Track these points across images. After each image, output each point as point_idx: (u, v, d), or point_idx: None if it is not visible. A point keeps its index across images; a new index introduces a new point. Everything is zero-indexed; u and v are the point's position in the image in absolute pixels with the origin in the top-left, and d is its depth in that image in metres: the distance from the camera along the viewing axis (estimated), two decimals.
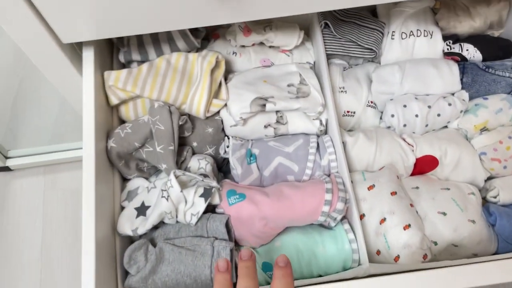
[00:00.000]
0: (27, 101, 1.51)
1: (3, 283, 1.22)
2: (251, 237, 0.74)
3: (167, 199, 0.68)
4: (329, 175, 0.79)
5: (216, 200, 0.73)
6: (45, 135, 1.45)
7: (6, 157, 1.37)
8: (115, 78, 0.76)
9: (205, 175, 0.74)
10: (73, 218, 1.32)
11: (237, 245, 0.75)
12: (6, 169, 1.37)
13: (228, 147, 0.81)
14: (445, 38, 0.91)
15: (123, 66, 0.85)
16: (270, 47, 0.90)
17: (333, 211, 0.71)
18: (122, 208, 0.74)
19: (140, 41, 0.82)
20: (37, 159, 1.38)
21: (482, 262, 0.67)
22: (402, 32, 0.89)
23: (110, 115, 0.79)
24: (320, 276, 0.73)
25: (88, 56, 0.74)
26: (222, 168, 0.86)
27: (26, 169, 1.40)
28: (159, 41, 0.82)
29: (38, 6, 0.61)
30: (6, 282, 1.22)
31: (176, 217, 0.71)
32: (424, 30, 0.89)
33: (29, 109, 1.50)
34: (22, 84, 1.55)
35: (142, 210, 0.72)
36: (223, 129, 0.82)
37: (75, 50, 0.76)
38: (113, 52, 0.86)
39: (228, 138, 0.82)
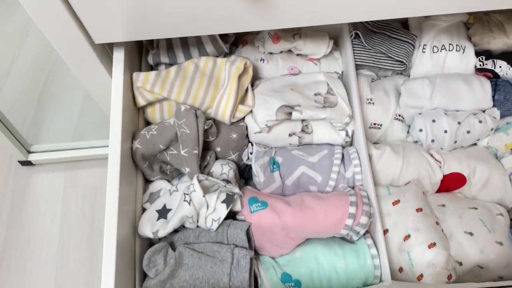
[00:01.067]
0: (52, 97, 1.54)
1: (19, 276, 1.22)
2: (271, 246, 0.73)
3: (189, 203, 0.68)
4: (353, 188, 0.77)
5: (237, 206, 0.72)
6: (68, 132, 1.47)
7: (29, 152, 1.38)
8: (144, 80, 0.76)
9: (227, 181, 0.73)
10: (90, 215, 1.33)
11: (257, 253, 0.74)
12: (28, 163, 1.39)
13: (251, 153, 0.80)
14: (477, 54, 0.89)
15: (151, 68, 0.86)
16: (298, 55, 0.89)
17: (356, 224, 0.70)
18: (144, 209, 0.74)
19: (169, 44, 0.82)
20: (59, 155, 1.39)
21: (509, 286, 0.65)
22: (434, 46, 0.88)
23: (137, 116, 0.80)
24: None
25: (119, 57, 0.75)
26: (244, 175, 0.86)
27: (48, 165, 1.41)
28: (188, 44, 0.82)
29: (74, 5, 0.62)
30: (22, 275, 1.23)
31: (197, 221, 0.70)
32: (457, 45, 0.88)
33: (54, 105, 1.52)
34: (48, 79, 1.58)
35: (163, 212, 0.72)
36: (247, 136, 0.82)
37: (106, 50, 0.76)
38: (142, 53, 0.86)
39: (252, 145, 0.81)
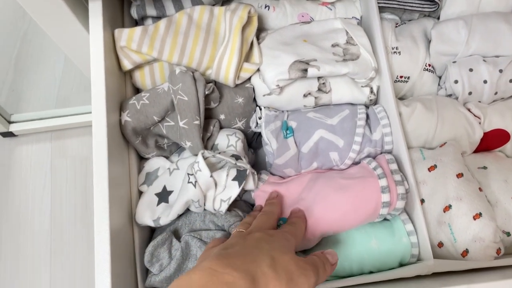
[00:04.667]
0: (30, 60, 1.41)
1: (13, 253, 1.15)
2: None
3: (194, 185, 0.57)
4: (375, 157, 0.67)
5: (250, 184, 0.62)
6: (51, 98, 1.36)
7: (9, 122, 1.28)
8: (128, 37, 0.63)
9: (237, 157, 0.62)
10: (82, 187, 1.25)
11: None
12: (10, 134, 1.29)
13: (260, 118, 0.69)
14: None
15: (136, 23, 0.72)
16: None
17: (392, 210, 0.60)
18: (141, 193, 0.63)
19: None
20: (43, 124, 1.29)
21: None
22: None
23: (123, 82, 0.67)
24: (372, 273, 0.63)
25: (95, 8, 0.62)
26: (252, 144, 0.75)
27: (32, 135, 1.31)
28: None
29: None
30: (16, 251, 1.16)
31: (204, 205, 0.60)
32: None
33: (33, 69, 1.40)
34: (24, 40, 1.44)
35: (164, 196, 0.61)
36: (254, 99, 0.70)
37: (80, 2, 0.63)
38: (123, 6, 0.72)
39: (260, 109, 0.70)
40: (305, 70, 0.65)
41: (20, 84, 1.37)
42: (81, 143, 1.31)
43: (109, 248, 0.52)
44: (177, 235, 0.61)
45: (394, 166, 0.64)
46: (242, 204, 0.66)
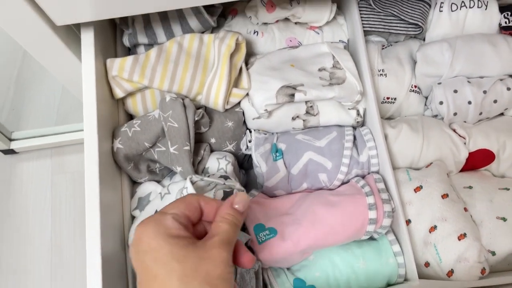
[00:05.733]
0: (30, 78, 1.42)
1: (14, 267, 1.16)
2: (288, 263, 0.65)
3: None
4: (363, 177, 0.68)
5: None
6: (51, 115, 1.37)
7: (10, 139, 1.29)
8: (120, 67, 0.65)
9: (225, 177, 0.64)
10: (82, 202, 1.22)
11: None
12: (11, 152, 1.30)
13: (250, 141, 0.71)
14: (501, 9, 0.77)
15: (129, 50, 0.74)
16: (296, 23, 0.78)
17: (379, 227, 0.61)
18: (133, 217, 0.65)
19: (147, 21, 0.70)
20: (43, 141, 1.30)
21: None
22: (452, 3, 0.76)
23: (116, 109, 0.69)
24: None
25: (88, 40, 0.63)
26: (243, 165, 0.76)
27: (32, 152, 1.32)
28: (169, 20, 0.70)
29: None
30: (16, 266, 1.17)
31: None
32: (478, 1, 0.76)
33: (33, 87, 1.41)
34: (24, 59, 1.46)
35: None
36: (244, 122, 0.72)
37: (72, 32, 0.65)
38: (116, 34, 0.74)
39: (250, 132, 0.71)
40: (292, 95, 0.67)
41: (20, 102, 1.38)
42: (81, 159, 1.30)
43: (101, 271, 0.53)
44: None
45: (381, 185, 0.65)
46: None
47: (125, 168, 0.65)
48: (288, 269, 0.64)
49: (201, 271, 0.36)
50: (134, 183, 0.69)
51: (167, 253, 0.37)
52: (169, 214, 0.40)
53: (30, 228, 1.22)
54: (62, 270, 1.17)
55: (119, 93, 0.66)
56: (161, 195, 0.65)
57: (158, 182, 0.69)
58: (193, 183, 0.61)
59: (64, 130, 1.31)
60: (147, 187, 0.67)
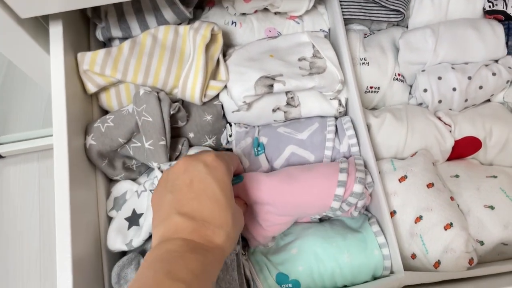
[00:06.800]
0: (17, 82, 1.40)
1: (2, 272, 1.15)
2: (255, 226, 0.63)
3: None
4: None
5: None
6: (38, 118, 1.34)
7: None
8: (91, 61, 0.63)
9: None
10: None
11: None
12: None
13: (230, 136, 0.69)
14: None
15: (104, 45, 0.72)
16: (276, 13, 0.76)
17: (349, 194, 0.59)
18: (110, 218, 0.63)
19: (120, 14, 0.68)
20: (30, 145, 1.28)
21: None
22: None
23: (89, 105, 0.67)
24: (346, 287, 0.63)
25: (56, 33, 0.61)
26: None
27: (19, 156, 1.30)
28: (143, 13, 0.68)
29: None
30: (5, 270, 1.15)
31: None
32: None
33: (19, 90, 1.38)
34: (11, 61, 1.43)
35: (134, 219, 0.61)
36: (224, 116, 0.70)
37: (41, 25, 0.63)
38: (90, 29, 0.72)
39: (230, 126, 0.69)
40: (271, 86, 0.65)
41: (6, 106, 1.36)
42: None
43: (72, 278, 0.51)
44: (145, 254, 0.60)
45: (360, 162, 0.63)
46: None
47: (99, 165, 0.63)
48: (269, 261, 0.62)
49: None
50: (111, 181, 0.67)
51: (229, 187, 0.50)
52: (232, 166, 0.53)
53: (18, 231, 1.20)
54: (51, 273, 1.15)
55: (91, 87, 0.64)
56: (137, 193, 0.63)
57: (135, 179, 0.67)
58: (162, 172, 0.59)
59: (51, 133, 1.27)
60: (122, 186, 0.65)
